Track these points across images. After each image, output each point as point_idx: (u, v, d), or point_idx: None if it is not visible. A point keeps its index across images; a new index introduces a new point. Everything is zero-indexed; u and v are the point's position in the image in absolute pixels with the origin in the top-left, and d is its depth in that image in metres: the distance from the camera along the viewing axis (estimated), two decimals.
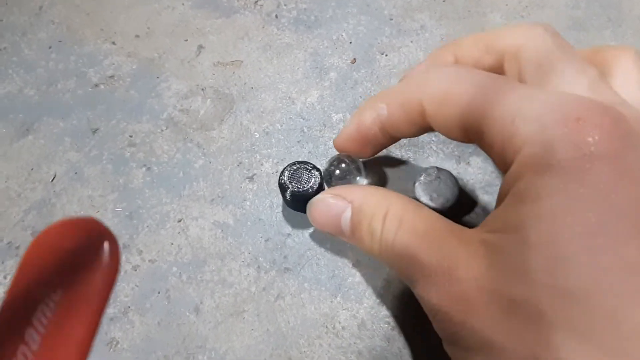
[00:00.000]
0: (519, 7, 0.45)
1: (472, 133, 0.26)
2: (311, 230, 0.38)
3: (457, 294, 0.23)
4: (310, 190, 0.36)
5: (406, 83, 0.29)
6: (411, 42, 0.45)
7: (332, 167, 0.37)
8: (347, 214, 0.30)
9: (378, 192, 0.29)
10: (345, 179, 0.37)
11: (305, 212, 0.38)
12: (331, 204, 0.31)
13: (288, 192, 0.36)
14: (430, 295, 0.25)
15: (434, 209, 0.35)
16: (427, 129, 0.29)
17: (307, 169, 0.37)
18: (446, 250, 0.24)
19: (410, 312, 0.35)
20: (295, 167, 0.37)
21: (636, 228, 0.20)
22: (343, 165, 0.37)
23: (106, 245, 0.17)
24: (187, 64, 0.45)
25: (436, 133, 0.41)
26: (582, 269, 0.20)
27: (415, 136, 0.31)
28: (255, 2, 0.47)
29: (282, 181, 0.37)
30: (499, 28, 0.32)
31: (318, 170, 0.37)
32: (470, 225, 0.37)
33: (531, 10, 0.45)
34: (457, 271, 0.24)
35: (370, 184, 0.38)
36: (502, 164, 0.25)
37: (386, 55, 0.44)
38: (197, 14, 0.48)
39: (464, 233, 0.25)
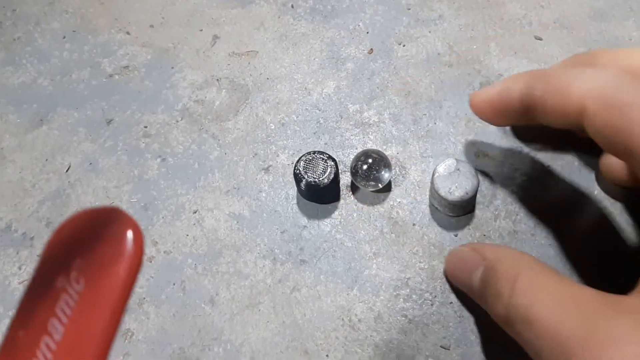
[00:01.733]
0: None
1: (632, 151, 0.24)
2: (327, 222, 0.38)
3: None
4: (325, 180, 0.36)
5: (570, 74, 0.27)
6: (429, 32, 0.44)
7: (360, 162, 0.37)
8: (479, 271, 0.29)
9: (513, 254, 0.28)
10: (372, 173, 0.37)
11: (320, 202, 0.38)
12: (465, 258, 0.31)
13: (303, 182, 0.36)
14: None
15: (452, 202, 0.35)
16: (576, 126, 0.27)
17: (323, 158, 0.37)
18: (602, 324, 0.22)
19: (426, 305, 0.35)
20: (310, 157, 0.37)
21: None
22: (370, 160, 0.37)
23: (129, 234, 0.17)
24: (202, 54, 0.45)
25: (455, 125, 0.40)
26: None
27: (558, 128, 0.28)
28: None
29: (297, 171, 0.36)
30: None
31: (334, 160, 0.37)
32: (486, 223, 0.36)
33: (552, 1, 0.44)
34: (618, 345, 0.21)
35: (392, 177, 0.37)
36: None
37: (404, 46, 0.44)
38: (212, 3, 0.47)
39: (621, 302, 0.23)
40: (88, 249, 0.17)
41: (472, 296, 0.31)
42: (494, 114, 0.32)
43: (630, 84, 0.24)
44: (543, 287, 0.25)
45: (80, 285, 0.16)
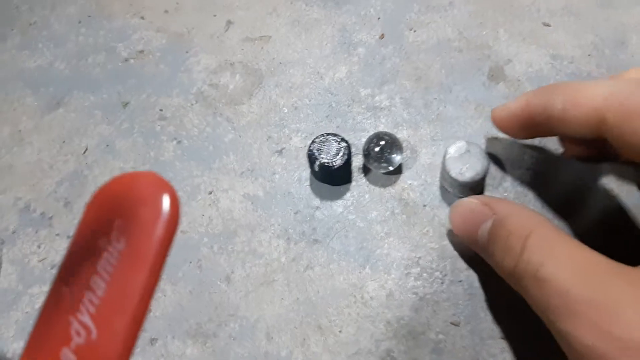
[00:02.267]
0: None
1: None
2: (339, 203, 0.39)
3: (622, 338, 0.21)
4: (338, 161, 0.37)
5: (588, 85, 0.27)
6: (440, 17, 0.45)
7: (372, 145, 0.38)
8: (488, 224, 0.29)
9: (525, 210, 0.28)
10: (384, 156, 0.37)
11: (333, 184, 0.39)
12: (475, 210, 0.31)
13: (317, 163, 0.37)
14: (584, 334, 0.22)
15: (463, 183, 0.35)
16: (598, 136, 0.27)
17: (337, 140, 0.37)
18: (611, 289, 0.22)
19: (436, 284, 0.36)
20: (324, 139, 0.37)
21: None
22: (382, 142, 0.38)
23: (166, 198, 0.18)
24: (216, 39, 0.46)
25: (465, 108, 0.41)
26: None
27: (583, 138, 0.29)
28: None
29: (311, 152, 0.37)
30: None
31: (347, 142, 0.38)
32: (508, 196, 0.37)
33: None
34: (625, 314, 0.21)
35: (403, 160, 0.38)
36: None
37: (414, 31, 0.44)
38: None
39: (631, 272, 0.23)
40: (127, 211, 0.17)
41: (476, 249, 0.31)
42: (516, 128, 0.33)
43: None
44: (556, 247, 0.25)
45: (120, 245, 0.17)
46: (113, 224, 0.17)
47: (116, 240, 0.17)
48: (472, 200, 0.32)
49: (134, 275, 0.17)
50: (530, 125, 0.32)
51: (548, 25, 0.43)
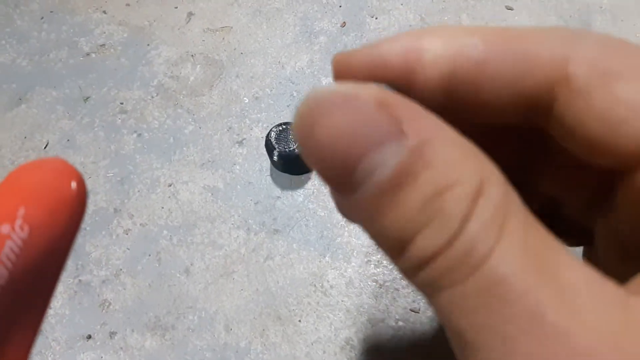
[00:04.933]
0: None
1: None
2: (300, 192, 0.38)
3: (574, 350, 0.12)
4: (297, 150, 0.37)
5: (527, 29, 0.15)
6: (401, 4, 0.44)
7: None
8: (392, 151, 0.13)
9: (462, 140, 0.14)
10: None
11: (293, 173, 0.38)
12: (362, 116, 0.14)
13: (275, 152, 0.37)
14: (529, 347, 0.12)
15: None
16: (534, 112, 0.15)
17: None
18: (566, 292, 0.13)
19: (396, 271, 0.35)
20: (282, 128, 0.37)
21: None
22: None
23: (73, 184, 0.17)
24: (177, 31, 0.45)
25: None
26: None
27: (502, 119, 0.16)
28: None
29: (269, 141, 0.37)
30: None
31: None
32: None
33: None
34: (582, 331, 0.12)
35: None
36: None
37: (376, 19, 0.44)
38: None
39: (626, 293, 0.14)
40: (32, 199, 0.17)
41: (346, 198, 0.14)
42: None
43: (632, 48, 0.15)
44: (511, 225, 0.13)
45: (24, 233, 0.17)
46: (17, 211, 0.17)
47: (20, 228, 0.17)
48: (357, 92, 0.14)
49: (37, 264, 0.16)
50: (408, 86, 0.16)
51: (511, 9, 0.43)
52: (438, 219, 0.13)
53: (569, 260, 0.13)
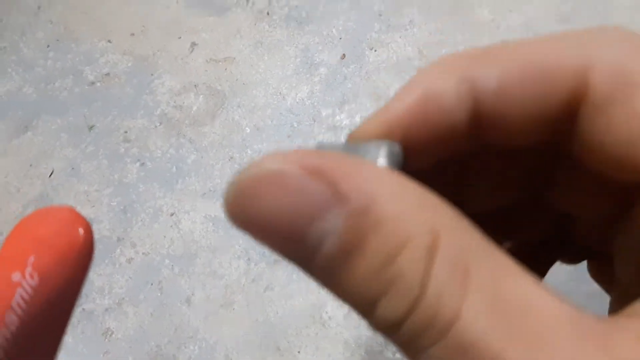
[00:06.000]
0: (507, 1, 0.45)
1: None
2: None
3: None
4: None
5: (545, 40, 0.15)
6: (400, 37, 0.45)
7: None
8: (334, 218, 0.12)
9: (410, 187, 0.13)
10: None
11: None
12: (299, 186, 0.12)
13: None
14: None
15: None
16: (558, 133, 0.15)
17: None
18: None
19: None
20: None
21: None
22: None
23: (81, 231, 0.18)
24: (181, 61, 0.46)
25: None
26: None
27: (525, 144, 0.15)
28: (248, 0, 0.48)
29: None
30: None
31: None
32: None
33: (520, 5, 0.46)
34: None
35: None
36: None
37: (375, 51, 0.45)
38: (191, 12, 0.49)
39: (609, 329, 0.12)
40: (42, 247, 0.18)
41: (304, 268, 0.13)
42: (414, 147, 0.16)
43: None
44: (484, 277, 0.12)
45: (34, 281, 0.17)
46: (27, 259, 0.18)
47: (30, 276, 0.17)
48: (290, 167, 0.12)
49: (46, 310, 0.17)
50: (439, 130, 0.15)
51: None
52: (396, 285, 0.12)
53: (543, 302, 0.12)
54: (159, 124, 0.44)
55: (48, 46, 0.49)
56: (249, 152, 0.42)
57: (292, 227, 0.12)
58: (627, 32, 0.14)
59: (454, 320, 0.12)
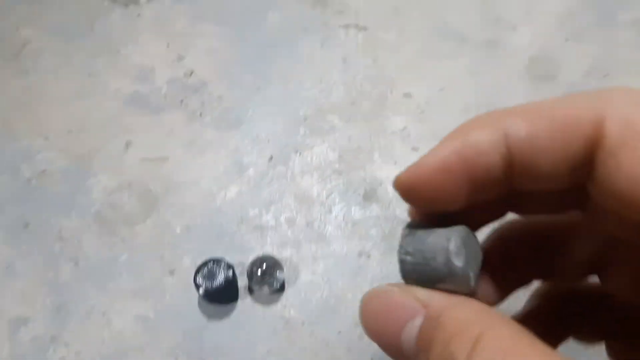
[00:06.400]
0: (417, 111, 0.50)
1: None
2: (226, 321, 0.42)
3: None
4: (222, 286, 0.40)
5: (564, 99, 0.18)
6: (323, 141, 0.49)
7: (255, 268, 0.41)
8: (416, 322, 0.19)
9: (469, 302, 0.18)
10: (266, 278, 0.41)
11: (220, 303, 0.42)
12: (395, 303, 0.19)
13: (201, 290, 0.40)
14: None
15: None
16: (581, 177, 0.17)
17: (221, 266, 0.41)
18: None
19: None
20: (209, 266, 0.41)
21: None
22: (264, 265, 0.41)
23: None
24: (116, 160, 0.49)
25: (342, 228, 0.45)
26: None
27: (551, 188, 0.18)
28: (182, 101, 0.51)
29: (198, 281, 0.41)
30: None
31: (231, 267, 0.41)
32: None
33: (430, 114, 0.50)
34: None
35: (286, 278, 0.42)
36: None
37: (300, 154, 0.49)
38: (128, 111, 0.51)
39: None
40: None
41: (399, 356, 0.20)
42: (445, 191, 0.19)
43: None
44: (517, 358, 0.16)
45: None
46: None
47: None
48: (390, 289, 0.20)
49: None
50: (471, 180, 0.18)
51: (416, 150, 0.49)
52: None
53: None
54: (93, 223, 0.46)
55: None
56: (179, 251, 0.45)
57: (391, 326, 0.19)
58: (634, 90, 0.17)
59: None
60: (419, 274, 0.19)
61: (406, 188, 0.20)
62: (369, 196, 0.47)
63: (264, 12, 0.55)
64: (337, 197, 0.47)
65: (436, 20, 0.54)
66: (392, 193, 0.47)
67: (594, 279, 0.22)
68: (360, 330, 0.41)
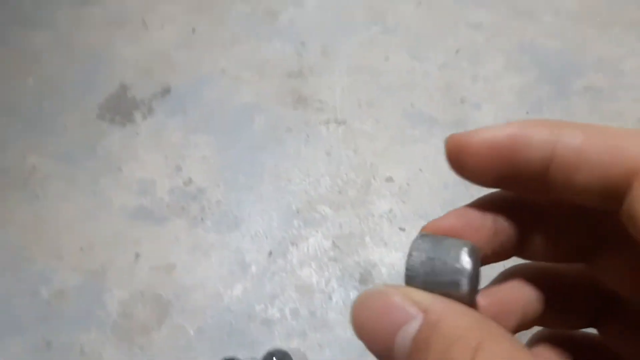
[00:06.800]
0: (399, 193, 0.54)
1: None
2: None
3: None
4: None
5: (622, 128, 0.19)
6: (316, 231, 0.53)
7: None
8: (413, 326, 0.18)
9: (470, 311, 0.19)
10: None
11: None
12: (393, 305, 0.19)
13: None
14: None
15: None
16: (615, 198, 0.18)
17: None
18: None
19: None
20: None
21: None
22: (274, 358, 0.44)
23: None
24: (127, 272, 0.53)
25: (344, 314, 0.48)
26: None
27: (583, 201, 0.19)
28: (183, 208, 0.56)
29: None
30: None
31: None
32: None
33: (412, 194, 0.55)
34: None
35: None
36: None
37: (296, 246, 0.53)
38: (133, 224, 0.55)
39: None
40: None
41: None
42: (489, 165, 0.20)
43: None
44: None
45: None
46: None
47: None
48: (387, 290, 0.19)
49: None
50: (513, 165, 0.20)
51: (403, 230, 0.52)
52: None
53: None
54: (111, 335, 0.49)
55: (4, 268, 0.55)
56: (193, 354, 0.48)
57: (386, 330, 0.18)
58: None
59: None
60: (424, 274, 0.19)
61: (453, 147, 0.20)
62: (365, 279, 0.50)
63: (249, 117, 0.60)
64: (335, 284, 0.50)
65: (407, 107, 0.59)
66: (386, 274, 0.50)
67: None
68: None
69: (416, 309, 0.18)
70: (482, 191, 0.20)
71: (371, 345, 0.19)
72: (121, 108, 0.62)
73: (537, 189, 0.19)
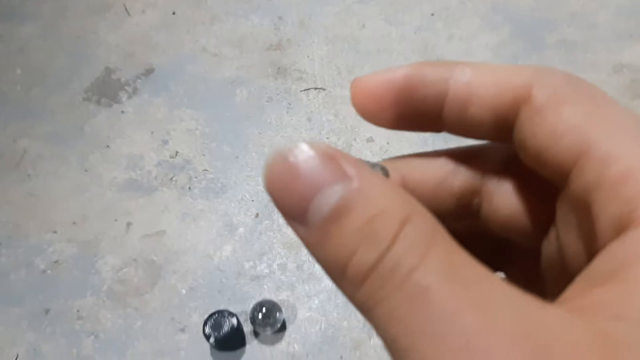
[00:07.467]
0: (381, 152, 0.56)
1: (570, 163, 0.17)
2: None
3: None
4: (229, 334, 0.45)
5: (510, 65, 0.20)
6: None
7: (256, 312, 0.46)
8: (335, 190, 0.15)
9: (396, 186, 0.17)
10: (268, 320, 0.46)
11: (230, 350, 0.46)
12: (313, 166, 0.15)
13: (211, 340, 0.45)
14: None
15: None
16: (506, 129, 0.19)
17: (224, 316, 0.46)
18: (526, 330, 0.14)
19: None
20: (215, 318, 0.46)
21: None
22: (264, 308, 0.46)
23: None
24: (119, 240, 0.54)
25: None
26: None
27: (480, 133, 0.20)
28: (171, 179, 0.57)
29: (206, 332, 0.45)
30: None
31: (234, 315, 0.46)
32: None
33: (393, 152, 0.56)
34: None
35: (286, 318, 0.47)
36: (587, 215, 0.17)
37: None
38: (123, 196, 0.57)
39: (553, 315, 0.14)
40: None
41: (297, 230, 0.16)
42: (387, 106, 0.20)
43: (584, 83, 0.18)
44: (437, 248, 0.15)
45: None
46: None
47: None
48: (310, 149, 0.15)
49: None
50: (410, 104, 0.20)
51: None
52: (369, 239, 0.14)
53: (490, 277, 0.15)
54: (106, 299, 0.51)
55: (0, 244, 0.56)
56: (187, 310, 0.49)
57: (302, 191, 0.15)
58: (562, 70, 0.17)
59: (413, 271, 0.14)
60: None
61: (356, 91, 0.19)
62: None
63: (232, 90, 0.62)
64: None
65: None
66: None
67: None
68: (360, 352, 0.46)
69: (340, 171, 0.15)
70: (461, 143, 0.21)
71: (282, 205, 0.16)
72: (107, 90, 0.64)
73: (434, 126, 0.19)
